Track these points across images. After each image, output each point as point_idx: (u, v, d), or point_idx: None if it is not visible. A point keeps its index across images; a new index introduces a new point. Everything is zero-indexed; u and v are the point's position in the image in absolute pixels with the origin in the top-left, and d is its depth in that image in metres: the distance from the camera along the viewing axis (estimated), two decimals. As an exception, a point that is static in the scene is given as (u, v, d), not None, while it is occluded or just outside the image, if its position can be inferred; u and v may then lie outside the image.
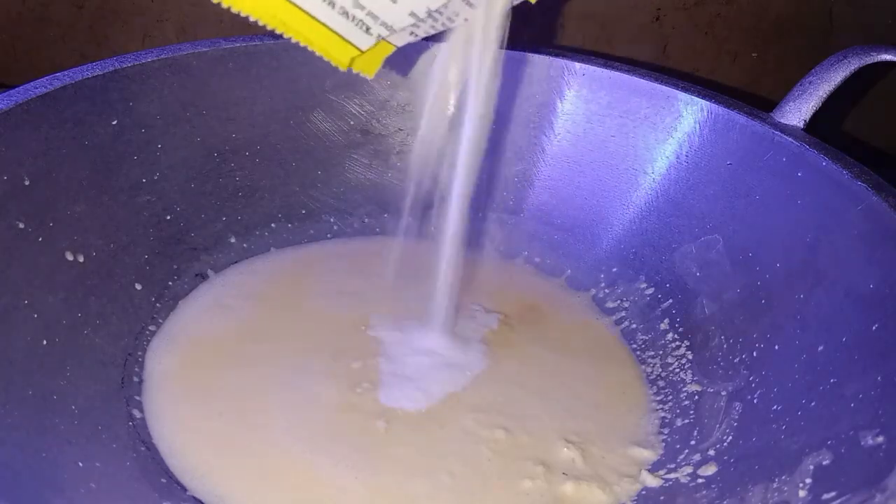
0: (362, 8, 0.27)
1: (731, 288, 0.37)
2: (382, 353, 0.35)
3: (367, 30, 0.27)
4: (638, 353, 0.39)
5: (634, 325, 0.40)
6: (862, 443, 0.26)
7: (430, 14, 0.27)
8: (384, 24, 0.27)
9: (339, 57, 0.28)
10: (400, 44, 0.29)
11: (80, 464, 0.28)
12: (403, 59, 0.41)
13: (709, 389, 0.35)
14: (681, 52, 0.54)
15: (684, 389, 0.36)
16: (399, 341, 0.36)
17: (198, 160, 0.40)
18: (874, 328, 0.29)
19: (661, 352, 0.38)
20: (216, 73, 0.39)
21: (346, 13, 0.27)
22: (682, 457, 0.32)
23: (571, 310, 0.41)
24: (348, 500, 0.30)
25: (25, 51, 0.53)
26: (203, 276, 0.40)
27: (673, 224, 0.40)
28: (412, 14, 0.27)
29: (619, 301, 0.41)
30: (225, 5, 0.25)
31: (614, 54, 0.54)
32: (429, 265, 0.41)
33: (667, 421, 0.35)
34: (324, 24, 0.27)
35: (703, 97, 0.39)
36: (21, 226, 0.31)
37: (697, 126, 0.40)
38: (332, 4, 0.26)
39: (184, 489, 0.29)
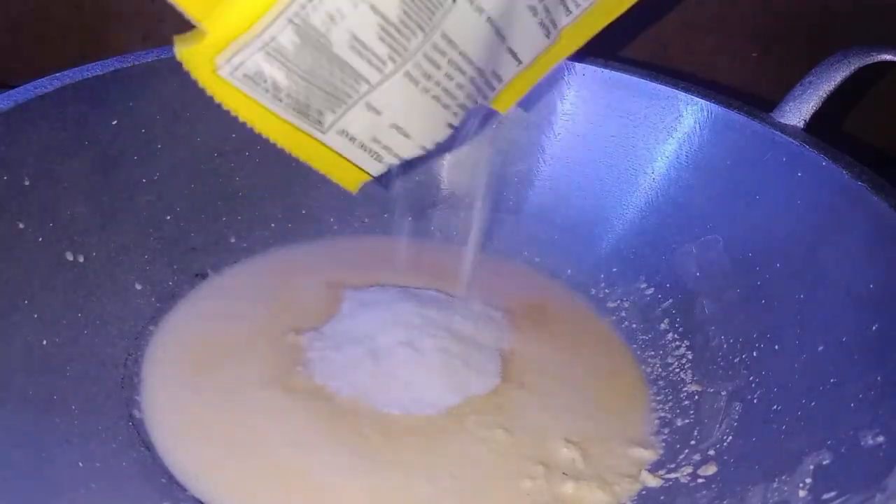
0: (378, 142, 0.29)
1: (731, 288, 0.37)
2: (384, 353, 0.35)
3: (380, 159, 0.29)
4: (638, 353, 0.39)
5: (634, 325, 0.40)
6: (862, 443, 0.26)
7: (435, 143, 0.30)
8: (396, 155, 0.29)
9: (349, 180, 0.30)
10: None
11: (80, 464, 0.28)
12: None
13: (709, 389, 0.35)
14: (681, 52, 0.54)
15: (684, 389, 0.36)
16: (400, 342, 0.36)
17: (198, 160, 0.40)
18: (874, 328, 0.29)
19: (661, 352, 0.38)
20: (216, 73, 0.39)
21: (363, 146, 0.29)
22: (682, 457, 0.32)
23: (571, 310, 0.41)
24: (348, 502, 0.30)
25: (25, 51, 0.53)
26: (203, 276, 0.40)
27: (673, 224, 0.40)
28: (422, 147, 0.29)
29: (619, 301, 0.41)
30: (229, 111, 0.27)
31: (614, 54, 0.54)
32: (436, 265, 0.42)
33: (667, 421, 0.35)
34: (339, 154, 0.29)
35: (703, 97, 0.39)
36: (21, 226, 0.31)
37: (697, 126, 0.40)
38: (352, 139, 0.28)
39: (184, 489, 0.29)
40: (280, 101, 0.26)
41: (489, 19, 0.27)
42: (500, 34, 0.28)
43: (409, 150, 0.29)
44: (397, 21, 0.26)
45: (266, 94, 0.26)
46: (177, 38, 0.25)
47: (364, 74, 0.27)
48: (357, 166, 0.29)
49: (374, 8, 0.25)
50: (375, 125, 0.28)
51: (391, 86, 0.27)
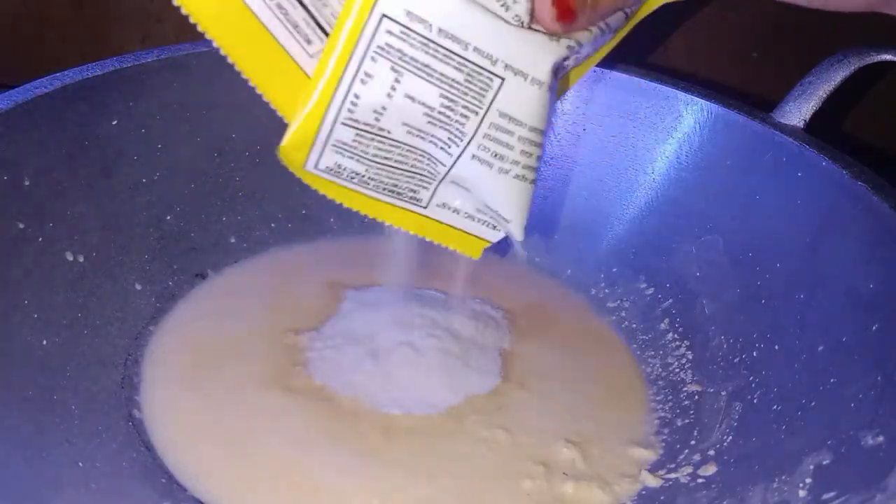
0: (484, 213, 0.28)
1: (731, 288, 0.37)
2: (384, 353, 0.35)
3: (493, 226, 0.29)
4: (638, 353, 0.39)
5: (634, 325, 0.40)
6: (862, 443, 0.26)
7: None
8: (507, 230, 0.29)
9: (468, 247, 0.29)
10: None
11: (80, 464, 0.28)
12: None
13: (709, 389, 0.35)
14: (681, 52, 0.54)
15: (684, 389, 0.36)
16: (400, 342, 0.36)
17: (198, 160, 0.40)
18: (874, 328, 0.29)
19: (661, 352, 0.38)
20: (216, 73, 0.39)
21: (470, 216, 0.28)
22: (682, 457, 0.32)
23: (571, 310, 0.41)
24: (348, 502, 0.29)
25: (25, 51, 0.53)
26: (203, 276, 0.40)
27: (673, 224, 0.40)
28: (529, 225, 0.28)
29: (619, 301, 0.41)
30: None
31: (614, 54, 0.54)
32: (436, 265, 0.41)
33: (667, 421, 0.35)
34: (449, 225, 0.29)
35: (703, 97, 0.39)
36: (21, 226, 0.31)
37: (697, 126, 0.40)
38: (455, 211, 0.28)
39: (184, 489, 0.29)
40: (367, 185, 0.27)
41: (550, 88, 0.26)
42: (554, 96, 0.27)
43: (516, 230, 0.28)
44: (440, 107, 0.25)
45: (352, 182, 0.27)
46: (280, 148, 0.26)
47: (434, 155, 0.26)
48: (473, 235, 0.29)
49: (410, 97, 0.25)
50: (471, 200, 0.28)
51: (465, 166, 0.26)
